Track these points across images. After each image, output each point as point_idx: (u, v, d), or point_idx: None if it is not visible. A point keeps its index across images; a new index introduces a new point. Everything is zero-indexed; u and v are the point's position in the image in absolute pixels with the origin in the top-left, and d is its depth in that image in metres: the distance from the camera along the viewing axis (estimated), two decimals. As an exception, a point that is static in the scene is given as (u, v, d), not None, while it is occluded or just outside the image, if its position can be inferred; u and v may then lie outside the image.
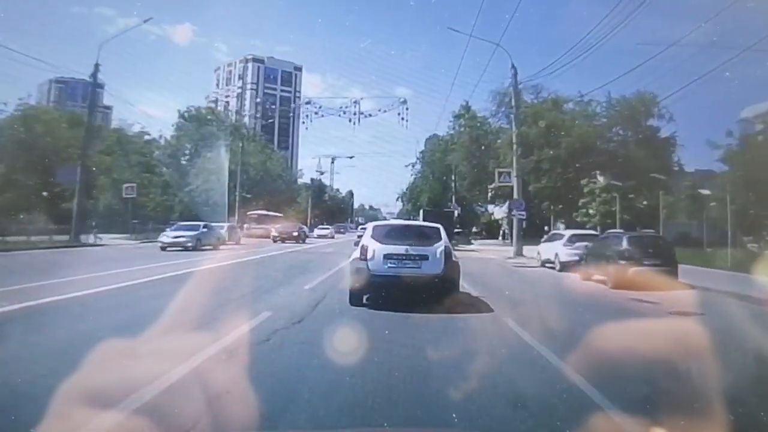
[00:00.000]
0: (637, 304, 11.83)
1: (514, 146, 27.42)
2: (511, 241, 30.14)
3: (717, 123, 53.62)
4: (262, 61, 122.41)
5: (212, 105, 62.68)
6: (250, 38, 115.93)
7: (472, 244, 41.06)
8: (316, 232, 50.17)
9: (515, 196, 27.25)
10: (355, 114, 59.23)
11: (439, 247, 10.28)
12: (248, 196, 48.75)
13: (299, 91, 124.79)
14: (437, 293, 9.73)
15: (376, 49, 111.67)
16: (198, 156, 55.65)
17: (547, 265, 21.34)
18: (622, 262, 14.89)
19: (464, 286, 11.72)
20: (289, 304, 9.94)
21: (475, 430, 4.08)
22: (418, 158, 59.40)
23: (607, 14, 43.35)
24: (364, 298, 10.15)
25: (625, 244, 15.34)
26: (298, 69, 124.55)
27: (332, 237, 49.10)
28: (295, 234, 39.50)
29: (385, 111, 59.15)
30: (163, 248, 25.44)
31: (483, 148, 45.90)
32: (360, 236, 15.32)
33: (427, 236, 10.73)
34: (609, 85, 43.94)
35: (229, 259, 21.75)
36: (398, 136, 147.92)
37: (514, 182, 27.12)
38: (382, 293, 10.00)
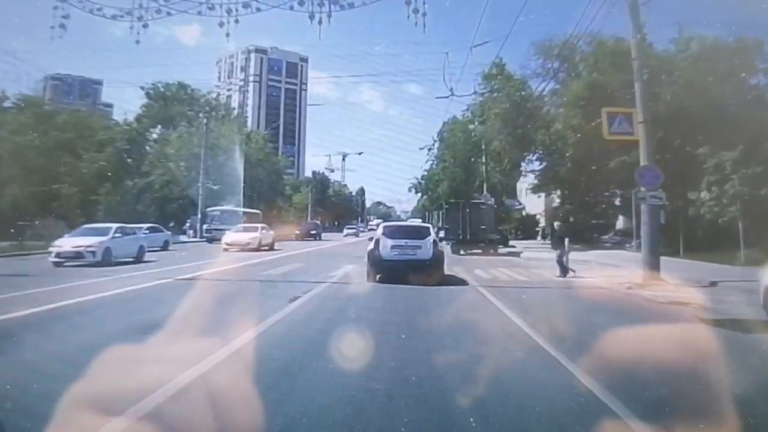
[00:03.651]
0: None
1: (635, 63, 13.33)
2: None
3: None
4: (265, 52, 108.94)
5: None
6: (259, 39, 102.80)
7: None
8: (229, 237, 25.73)
9: (642, 160, 13.22)
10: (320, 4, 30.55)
11: (429, 240, 13.40)
12: (215, 187, 35.14)
13: (305, 83, 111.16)
14: (427, 272, 12.47)
15: (389, 51, 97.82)
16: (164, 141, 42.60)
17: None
18: None
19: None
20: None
21: None
22: (435, 140, 45.07)
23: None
24: (377, 277, 12.52)
25: None
26: (304, 60, 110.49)
27: (254, 248, 24.94)
28: None
29: None
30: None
31: (520, 119, 31.76)
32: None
33: (420, 233, 13.98)
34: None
35: None
36: (412, 131, 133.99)
37: (641, 132, 13.11)
38: (389, 272, 12.44)
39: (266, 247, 26.13)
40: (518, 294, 11.51)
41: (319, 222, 49.69)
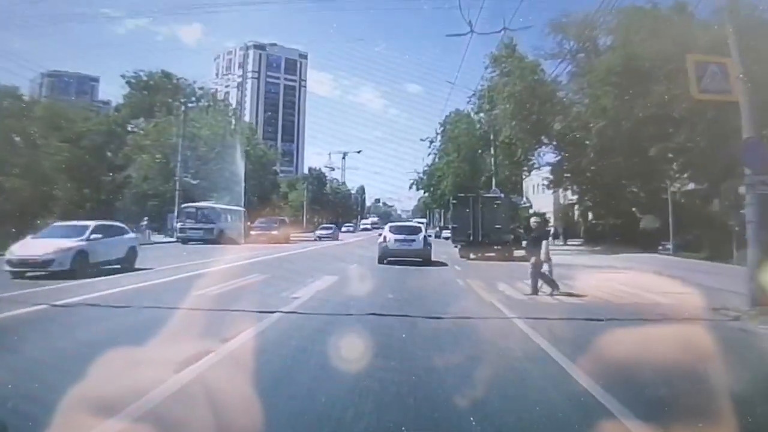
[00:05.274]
0: None
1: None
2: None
3: None
4: (263, 48, 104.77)
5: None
6: (260, 40, 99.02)
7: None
8: (17, 250, 12.94)
9: (745, 131, 9.04)
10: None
11: (421, 235, 18.64)
12: (194, 182, 31.00)
13: (305, 80, 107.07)
14: (419, 259, 17.84)
15: (389, 53, 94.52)
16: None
17: None
18: None
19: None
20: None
21: None
22: (437, 132, 40.88)
23: None
24: (385, 261, 17.64)
25: None
26: (304, 56, 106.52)
27: (66, 268, 12.59)
28: None
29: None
30: None
31: (535, 104, 27.47)
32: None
33: (416, 230, 19.18)
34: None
35: None
36: (412, 130, 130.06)
37: (741, 91, 8.98)
38: (393, 258, 17.64)
39: (116, 265, 14.11)
40: (593, 339, 7.39)
41: (285, 219, 38.03)
